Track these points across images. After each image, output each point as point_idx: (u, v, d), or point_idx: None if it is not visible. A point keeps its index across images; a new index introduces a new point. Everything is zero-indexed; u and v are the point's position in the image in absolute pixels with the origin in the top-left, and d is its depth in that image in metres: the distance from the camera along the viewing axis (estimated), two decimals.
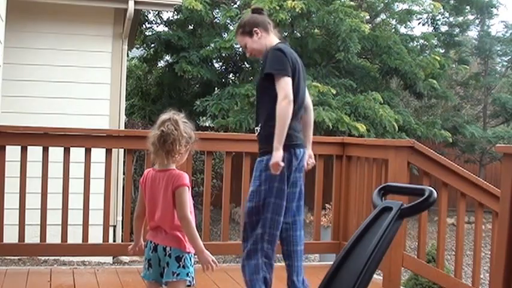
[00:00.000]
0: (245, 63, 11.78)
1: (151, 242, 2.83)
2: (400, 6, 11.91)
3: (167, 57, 12.29)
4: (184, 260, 2.75)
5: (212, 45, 10.25)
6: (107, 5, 7.63)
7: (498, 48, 13.95)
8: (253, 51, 3.64)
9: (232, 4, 11.44)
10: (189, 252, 2.77)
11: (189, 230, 2.71)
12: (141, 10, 8.55)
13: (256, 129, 3.54)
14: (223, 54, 10.92)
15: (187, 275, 2.75)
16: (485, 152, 12.93)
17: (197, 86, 12.21)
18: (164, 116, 2.80)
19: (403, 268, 4.48)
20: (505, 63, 14.69)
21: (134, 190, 8.44)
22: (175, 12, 11.14)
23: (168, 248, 2.76)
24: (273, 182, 3.40)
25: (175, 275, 2.73)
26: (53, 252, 4.97)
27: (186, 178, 2.76)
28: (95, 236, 4.67)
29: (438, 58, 11.14)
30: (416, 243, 4.78)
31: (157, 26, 12.55)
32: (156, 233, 2.82)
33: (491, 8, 13.36)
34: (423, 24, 13.06)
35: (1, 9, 4.90)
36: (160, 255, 2.78)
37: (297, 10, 9.50)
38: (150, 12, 12.07)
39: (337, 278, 1.87)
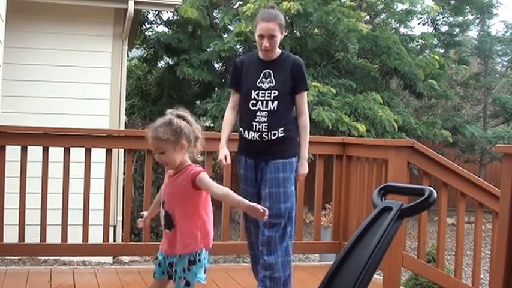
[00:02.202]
0: None
1: None
2: (400, 7, 11.92)
3: (167, 58, 12.29)
4: (196, 257, 2.80)
5: (211, 48, 10.25)
6: (107, 5, 7.63)
7: (498, 48, 13.95)
8: (274, 48, 3.68)
9: (231, 7, 11.43)
10: (202, 248, 2.80)
11: (232, 197, 2.85)
12: (141, 10, 8.55)
13: (274, 133, 3.65)
14: (223, 55, 10.93)
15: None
16: (485, 152, 12.94)
17: (197, 86, 12.21)
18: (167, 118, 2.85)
19: (403, 268, 4.48)
20: (505, 63, 14.70)
21: (134, 190, 8.44)
22: (176, 13, 11.14)
23: (178, 255, 2.82)
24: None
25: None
26: (53, 252, 4.97)
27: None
28: (95, 236, 4.67)
29: (438, 58, 11.14)
30: (416, 243, 4.78)
31: (157, 26, 12.56)
32: (172, 243, 2.87)
33: (491, 8, 13.36)
34: (423, 24, 13.08)
35: (1, 9, 4.90)
36: (179, 263, 2.83)
37: (293, 11, 9.48)
38: (150, 13, 12.07)
39: (337, 278, 1.87)
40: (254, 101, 3.68)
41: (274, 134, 3.66)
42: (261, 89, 3.68)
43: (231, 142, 4.10)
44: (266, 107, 3.66)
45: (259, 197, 3.72)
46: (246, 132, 3.71)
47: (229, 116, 3.87)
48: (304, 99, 3.78)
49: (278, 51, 3.75)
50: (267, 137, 3.66)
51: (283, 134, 3.67)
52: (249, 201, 3.53)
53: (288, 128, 3.70)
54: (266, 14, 3.69)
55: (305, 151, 3.74)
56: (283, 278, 3.69)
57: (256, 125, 3.67)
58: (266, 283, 3.68)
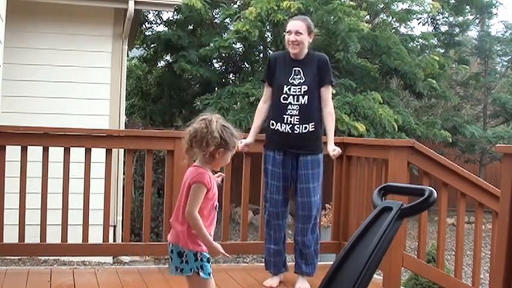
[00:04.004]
0: (245, 63, 11.78)
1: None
2: (400, 6, 11.91)
3: (167, 57, 12.30)
4: (185, 255, 2.79)
5: (212, 44, 10.25)
6: (107, 5, 7.63)
7: (498, 48, 13.94)
8: (301, 46, 4.01)
9: (231, 4, 11.44)
10: (190, 249, 2.79)
11: (195, 227, 2.77)
12: (141, 10, 8.55)
13: (305, 126, 3.96)
14: (223, 54, 10.91)
15: (191, 270, 2.79)
16: (485, 152, 12.93)
17: (197, 86, 12.21)
18: (203, 115, 2.83)
19: (403, 268, 4.48)
20: (505, 63, 14.69)
21: (134, 190, 8.44)
22: (175, 12, 11.15)
23: (171, 244, 2.85)
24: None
25: (178, 269, 2.82)
26: (53, 252, 4.97)
27: (207, 178, 2.77)
28: (95, 236, 4.67)
29: (438, 58, 11.14)
30: (416, 243, 4.78)
31: (157, 26, 12.56)
32: (172, 229, 2.91)
33: (491, 7, 13.36)
34: (423, 24, 13.07)
35: (1, 9, 4.90)
36: (169, 250, 2.88)
37: (292, 10, 9.48)
38: (150, 12, 12.07)
39: (337, 278, 1.87)
40: (285, 95, 4.00)
41: (305, 128, 3.97)
42: (292, 84, 4.00)
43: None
44: (297, 101, 3.97)
45: (284, 191, 4.08)
46: (278, 124, 4.00)
47: (261, 108, 4.19)
48: (328, 92, 4.08)
49: (306, 51, 4.08)
50: (298, 129, 3.97)
51: (313, 129, 3.99)
52: (273, 194, 4.05)
53: (318, 124, 4.02)
54: (296, 16, 4.20)
55: (332, 134, 4.08)
56: (316, 263, 4.18)
57: (287, 118, 3.98)
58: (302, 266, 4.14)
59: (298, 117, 3.97)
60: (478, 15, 13.76)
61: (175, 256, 2.82)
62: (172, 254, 2.83)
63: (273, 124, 4.05)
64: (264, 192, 4.26)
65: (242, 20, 9.77)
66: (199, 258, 2.80)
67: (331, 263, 1.95)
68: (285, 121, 3.98)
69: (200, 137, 2.74)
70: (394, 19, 12.05)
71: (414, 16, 12.02)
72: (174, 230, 2.85)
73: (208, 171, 2.82)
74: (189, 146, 2.78)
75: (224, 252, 2.82)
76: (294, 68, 4.04)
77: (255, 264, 6.85)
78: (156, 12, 12.14)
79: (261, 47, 11.28)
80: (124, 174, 6.43)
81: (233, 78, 12.24)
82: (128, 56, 9.25)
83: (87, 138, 4.55)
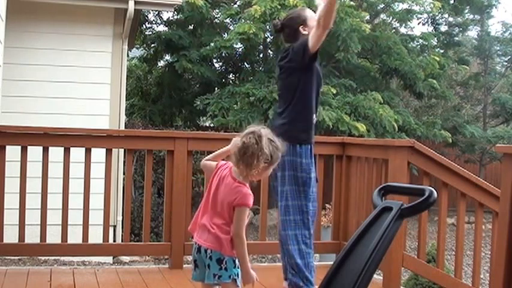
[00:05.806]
0: (245, 63, 11.79)
1: (196, 242, 2.81)
2: (400, 6, 11.91)
3: (167, 57, 12.32)
4: (225, 262, 2.72)
5: (212, 44, 10.26)
6: (107, 5, 7.63)
7: (498, 48, 13.95)
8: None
9: (232, 4, 11.45)
10: (230, 256, 2.73)
11: (239, 249, 2.71)
12: (141, 10, 8.55)
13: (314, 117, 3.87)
14: (223, 54, 10.90)
15: (229, 277, 2.72)
16: (485, 152, 12.94)
17: (197, 85, 12.22)
18: (251, 128, 2.74)
19: (403, 268, 4.48)
20: (504, 63, 14.70)
21: (134, 190, 8.44)
22: (175, 12, 11.16)
23: (209, 250, 2.73)
24: None
25: (216, 277, 2.72)
26: (53, 252, 4.97)
27: (251, 199, 2.72)
28: (95, 236, 4.67)
29: (438, 58, 11.15)
30: (416, 243, 4.78)
31: (157, 26, 12.57)
32: (201, 232, 2.79)
33: (491, 8, 13.37)
34: (423, 24, 13.08)
35: (1, 9, 4.90)
36: (202, 256, 2.76)
37: (299, 7, 9.50)
38: (150, 12, 12.08)
39: (337, 278, 1.87)
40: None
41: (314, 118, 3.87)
42: None
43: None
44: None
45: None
46: (314, 115, 3.86)
47: None
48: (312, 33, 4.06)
49: None
50: (315, 119, 3.87)
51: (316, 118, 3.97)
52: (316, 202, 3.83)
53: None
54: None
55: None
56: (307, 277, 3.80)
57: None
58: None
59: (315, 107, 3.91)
60: (476, 15, 13.77)
61: (214, 263, 2.71)
62: (210, 260, 2.72)
63: (314, 117, 3.84)
64: (302, 204, 3.75)
65: (245, 19, 9.77)
66: (237, 265, 2.73)
67: (331, 263, 1.95)
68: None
69: (251, 153, 2.65)
70: (394, 19, 12.05)
71: (414, 16, 12.02)
72: (212, 236, 2.73)
73: (248, 186, 2.75)
74: (237, 160, 2.69)
75: (255, 281, 2.74)
76: None
77: (254, 264, 6.84)
78: (156, 12, 12.15)
79: (261, 47, 11.29)
80: (124, 174, 6.43)
81: (233, 78, 12.24)
82: (128, 56, 9.25)
83: (87, 138, 4.55)
